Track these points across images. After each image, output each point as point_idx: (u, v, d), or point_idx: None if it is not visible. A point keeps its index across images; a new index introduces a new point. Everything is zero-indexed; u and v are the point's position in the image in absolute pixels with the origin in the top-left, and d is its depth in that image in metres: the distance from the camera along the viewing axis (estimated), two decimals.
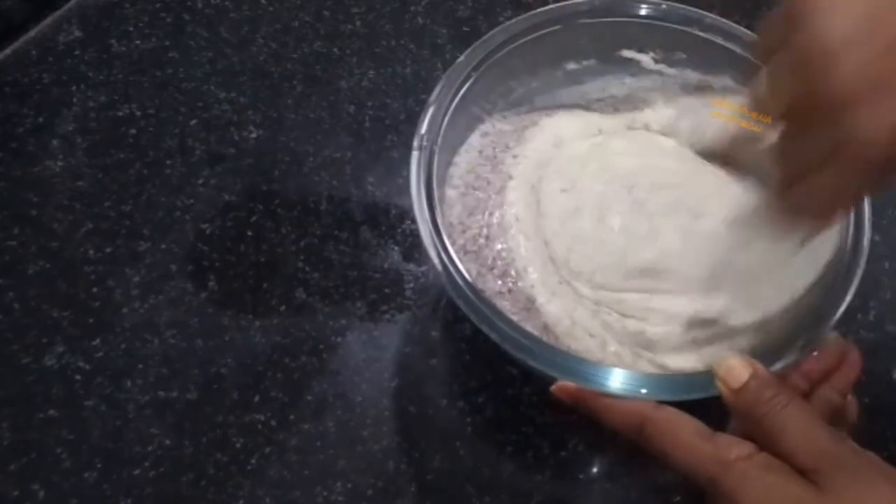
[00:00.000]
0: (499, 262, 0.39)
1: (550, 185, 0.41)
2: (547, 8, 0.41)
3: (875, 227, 0.47)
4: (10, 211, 0.47)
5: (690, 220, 0.39)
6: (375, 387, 0.42)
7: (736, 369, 0.29)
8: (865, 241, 0.36)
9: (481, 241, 0.40)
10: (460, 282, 0.33)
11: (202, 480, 0.39)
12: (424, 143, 0.37)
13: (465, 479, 0.40)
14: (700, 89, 0.44)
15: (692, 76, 0.44)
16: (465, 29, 0.55)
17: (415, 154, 0.36)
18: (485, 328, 0.33)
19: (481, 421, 0.42)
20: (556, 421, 0.42)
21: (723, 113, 0.42)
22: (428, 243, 0.35)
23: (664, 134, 0.44)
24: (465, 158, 0.42)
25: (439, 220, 0.35)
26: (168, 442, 0.40)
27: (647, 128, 0.44)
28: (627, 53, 0.44)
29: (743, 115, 0.42)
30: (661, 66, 0.44)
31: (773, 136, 0.32)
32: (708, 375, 0.32)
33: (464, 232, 0.40)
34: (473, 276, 0.38)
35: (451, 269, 0.34)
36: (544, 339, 0.36)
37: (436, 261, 0.34)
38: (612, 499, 0.40)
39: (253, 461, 0.40)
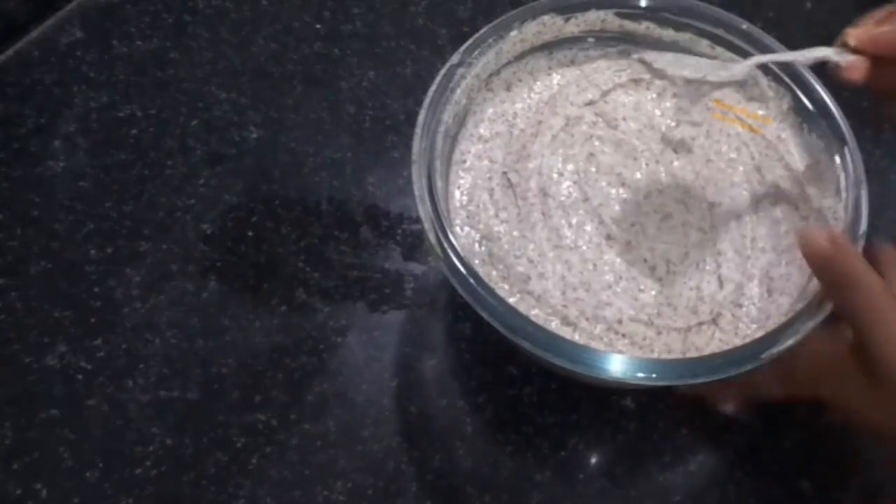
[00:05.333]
0: (494, 241, 0.40)
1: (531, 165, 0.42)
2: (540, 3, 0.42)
3: (875, 227, 0.47)
4: (12, 211, 0.47)
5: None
6: (375, 387, 0.42)
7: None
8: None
9: (480, 214, 0.41)
10: (464, 271, 0.34)
11: (203, 480, 0.40)
12: (426, 131, 0.38)
13: (465, 479, 0.40)
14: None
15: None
16: (465, 29, 0.55)
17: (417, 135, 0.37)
18: (485, 314, 0.33)
19: (481, 421, 0.42)
20: (556, 421, 0.42)
21: (722, 112, 0.42)
22: (423, 212, 0.35)
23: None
24: (468, 144, 0.43)
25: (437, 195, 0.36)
26: (169, 441, 0.40)
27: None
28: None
29: (743, 116, 0.42)
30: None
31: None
32: (714, 359, 0.33)
33: (466, 210, 0.41)
34: (479, 267, 0.39)
35: (451, 251, 0.34)
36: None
37: (433, 239, 0.35)
38: (612, 499, 0.41)
39: (254, 461, 0.40)
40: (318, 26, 0.55)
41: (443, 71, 0.39)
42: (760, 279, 0.39)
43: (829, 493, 0.41)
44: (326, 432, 0.41)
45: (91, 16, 0.55)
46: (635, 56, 0.44)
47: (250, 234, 0.47)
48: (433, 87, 0.39)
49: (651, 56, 0.42)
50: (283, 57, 0.54)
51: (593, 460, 0.41)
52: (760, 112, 0.42)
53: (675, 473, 0.41)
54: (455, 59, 0.40)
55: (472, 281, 0.34)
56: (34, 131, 0.50)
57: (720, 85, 0.38)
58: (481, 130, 0.43)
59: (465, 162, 0.42)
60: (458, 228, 0.40)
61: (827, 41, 0.35)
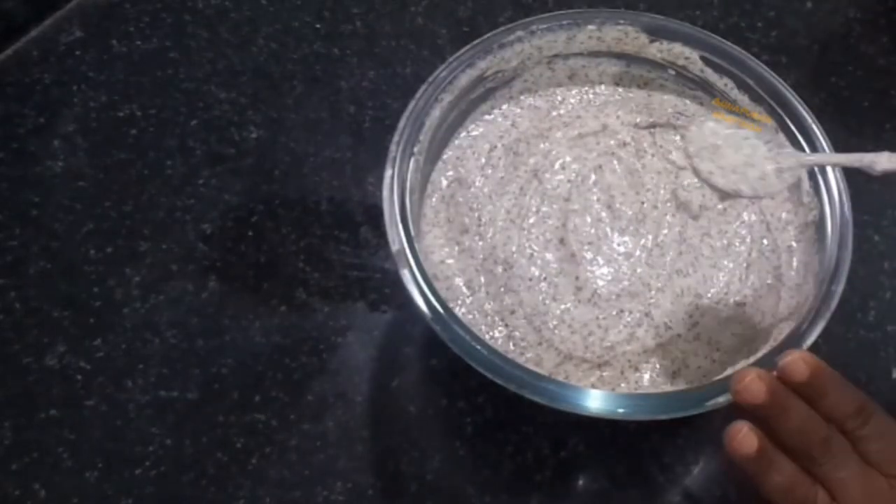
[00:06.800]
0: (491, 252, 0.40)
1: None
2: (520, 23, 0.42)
3: (875, 227, 0.47)
4: (12, 211, 0.47)
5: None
6: (375, 387, 0.42)
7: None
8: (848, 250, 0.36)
9: (469, 159, 0.42)
10: (453, 325, 0.34)
11: (203, 480, 0.40)
12: (402, 154, 0.39)
13: (465, 479, 0.40)
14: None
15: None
16: (465, 29, 0.55)
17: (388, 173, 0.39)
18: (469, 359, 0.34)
19: (481, 421, 0.42)
20: (556, 421, 0.42)
21: (722, 113, 0.42)
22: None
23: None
24: (505, 102, 0.45)
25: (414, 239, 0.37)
26: (169, 442, 0.40)
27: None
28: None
29: (743, 116, 0.42)
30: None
31: None
32: (690, 393, 0.33)
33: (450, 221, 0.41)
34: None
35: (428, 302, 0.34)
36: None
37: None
38: (612, 499, 0.40)
39: (253, 461, 0.40)
40: (318, 26, 0.55)
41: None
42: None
43: None
44: (326, 432, 0.41)
45: (91, 16, 0.55)
46: (682, 131, 0.41)
47: (250, 234, 0.47)
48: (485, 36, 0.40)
49: (693, 139, 0.37)
50: (283, 57, 0.54)
51: (593, 460, 0.41)
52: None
53: (675, 473, 0.41)
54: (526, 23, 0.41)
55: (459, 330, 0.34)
56: (34, 131, 0.50)
57: (752, 196, 0.35)
58: (523, 97, 0.44)
59: (490, 113, 0.44)
60: (441, 162, 0.42)
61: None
